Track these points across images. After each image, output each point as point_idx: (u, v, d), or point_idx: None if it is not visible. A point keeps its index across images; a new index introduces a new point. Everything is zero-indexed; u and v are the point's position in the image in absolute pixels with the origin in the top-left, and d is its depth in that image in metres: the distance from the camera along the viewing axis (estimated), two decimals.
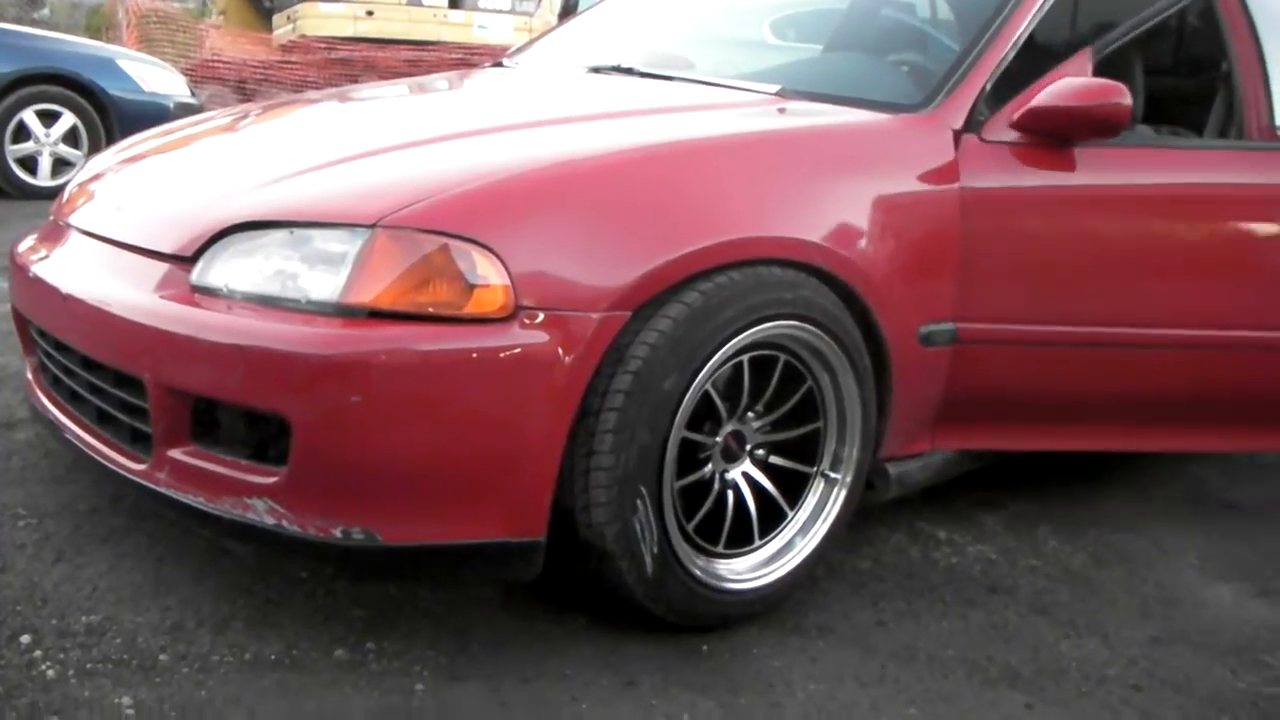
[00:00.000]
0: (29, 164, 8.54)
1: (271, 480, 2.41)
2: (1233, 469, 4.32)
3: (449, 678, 2.56)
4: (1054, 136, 3.15)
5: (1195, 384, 3.45)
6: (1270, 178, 3.49)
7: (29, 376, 3.28)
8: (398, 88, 4.60)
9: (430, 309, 2.36)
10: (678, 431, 2.61)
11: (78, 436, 2.88)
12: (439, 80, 4.47)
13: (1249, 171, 3.49)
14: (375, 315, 2.35)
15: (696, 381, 2.60)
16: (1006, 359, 3.19)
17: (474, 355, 2.35)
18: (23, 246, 3.22)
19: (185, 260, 2.59)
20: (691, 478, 2.74)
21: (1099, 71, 3.26)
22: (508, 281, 2.38)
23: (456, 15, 20.21)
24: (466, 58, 17.24)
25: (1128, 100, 3.08)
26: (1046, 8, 3.33)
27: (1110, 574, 3.37)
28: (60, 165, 8.59)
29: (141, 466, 2.62)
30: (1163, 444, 3.64)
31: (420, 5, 19.98)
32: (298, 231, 2.48)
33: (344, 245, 2.41)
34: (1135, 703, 2.72)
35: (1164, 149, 3.58)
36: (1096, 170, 3.23)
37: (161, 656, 2.53)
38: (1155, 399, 3.44)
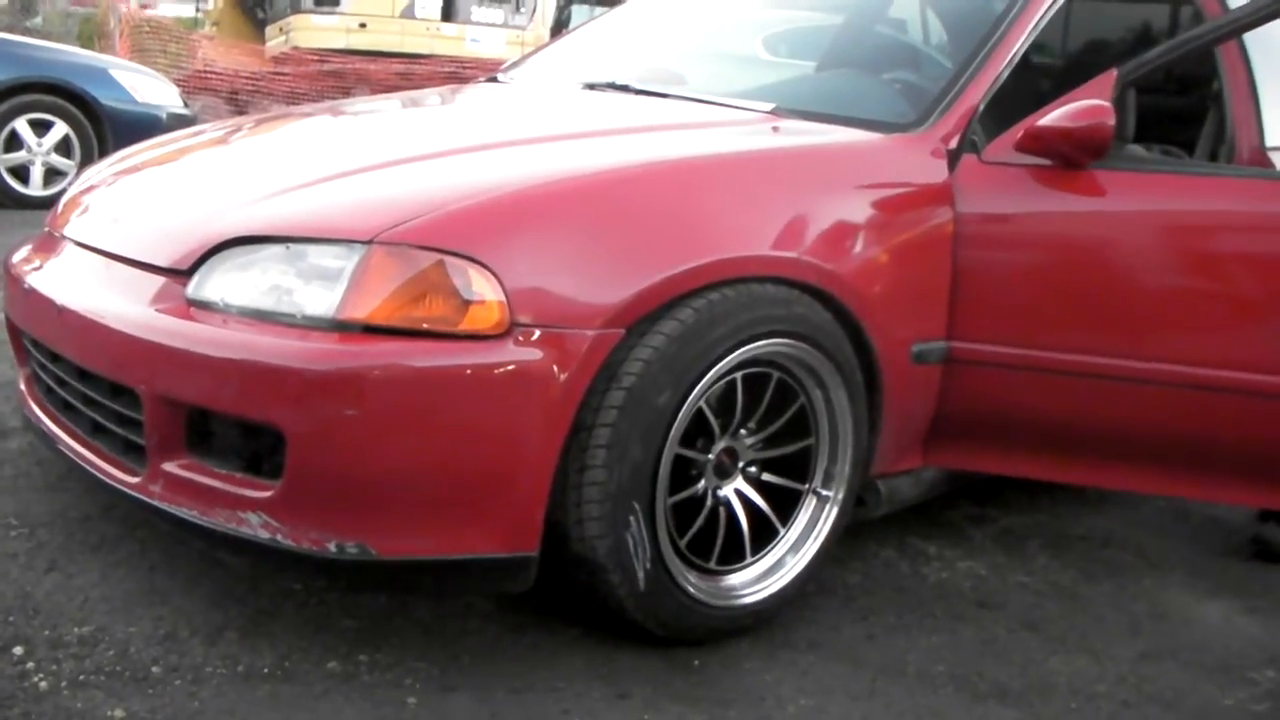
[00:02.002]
0: (21, 173, 8.51)
1: (266, 494, 2.42)
2: None
3: (441, 689, 2.57)
4: (1051, 158, 3.12)
5: (1200, 427, 3.26)
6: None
7: (22, 386, 3.29)
8: (393, 102, 4.61)
9: (425, 325, 2.38)
10: (671, 448, 2.62)
11: (71, 447, 2.89)
12: (434, 95, 4.49)
13: (1260, 200, 3.29)
14: (370, 330, 2.37)
15: (690, 398, 2.61)
16: (998, 381, 3.19)
17: (469, 371, 2.37)
18: (17, 257, 3.23)
19: (181, 274, 2.59)
20: (684, 494, 2.75)
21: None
22: (503, 298, 2.39)
23: (449, 29, 20.27)
24: (458, 71, 17.25)
25: (1111, 121, 3.05)
26: (1041, 28, 3.32)
27: (1099, 589, 3.38)
28: (52, 175, 8.56)
29: (135, 479, 2.63)
30: (1163, 488, 3.48)
31: (413, 18, 20.03)
32: (294, 246, 2.49)
33: (340, 260, 2.42)
34: (1124, 719, 2.73)
35: (1173, 174, 3.47)
36: (1099, 194, 3.18)
37: (154, 668, 2.54)
38: (1156, 439, 3.30)
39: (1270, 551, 3.71)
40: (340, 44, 19.33)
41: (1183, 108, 4.32)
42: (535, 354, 2.40)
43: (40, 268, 3.06)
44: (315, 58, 18.71)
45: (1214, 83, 3.92)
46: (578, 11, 18.27)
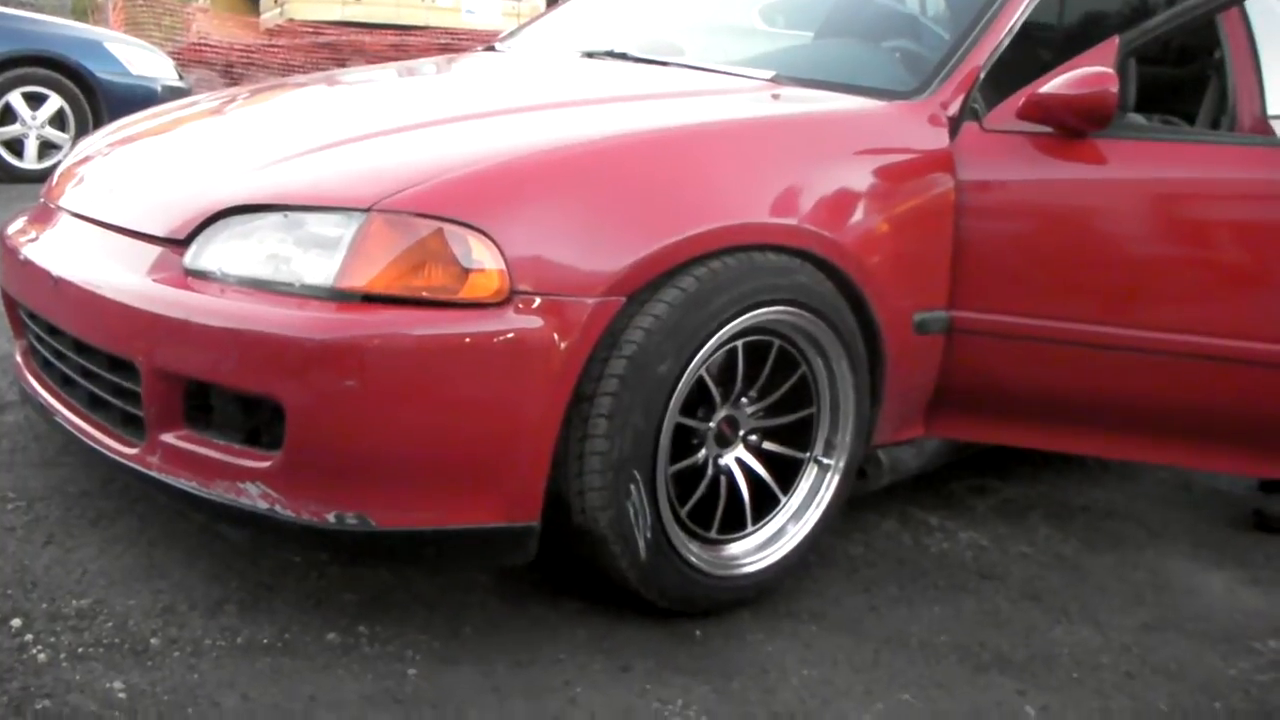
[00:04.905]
0: (15, 147, 8.49)
1: (265, 465, 2.40)
2: None
3: (442, 661, 2.56)
4: (1053, 126, 3.10)
5: (1202, 397, 3.25)
6: None
7: (18, 359, 3.27)
8: (389, 71, 4.58)
9: (425, 293, 2.36)
10: (672, 416, 2.61)
11: (69, 420, 2.87)
12: (431, 64, 4.46)
13: (1263, 168, 3.29)
14: (370, 299, 2.34)
15: (691, 367, 2.60)
16: (1000, 351, 3.17)
17: (468, 340, 2.35)
18: (12, 229, 3.20)
19: (178, 243, 2.57)
20: (685, 463, 2.74)
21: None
22: (503, 266, 2.37)
23: (445, 0, 20.16)
24: (453, 43, 17.20)
25: (1114, 89, 3.03)
26: None
27: (1101, 560, 3.37)
28: (47, 148, 8.53)
29: (134, 451, 2.61)
30: (1164, 457, 3.48)
31: None
32: (292, 215, 2.47)
33: (339, 229, 2.40)
34: (1127, 689, 2.73)
35: (1175, 142, 3.47)
36: (1101, 162, 3.17)
37: (153, 640, 2.53)
38: (1159, 409, 3.29)
39: (1272, 523, 3.70)
40: (335, 15, 19.25)
41: (1183, 77, 4.30)
42: (536, 322, 2.38)
43: (36, 239, 3.03)
44: (310, 30, 18.65)
45: (1215, 52, 3.90)
46: None
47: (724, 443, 2.84)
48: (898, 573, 3.17)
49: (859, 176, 2.97)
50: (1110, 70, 3.05)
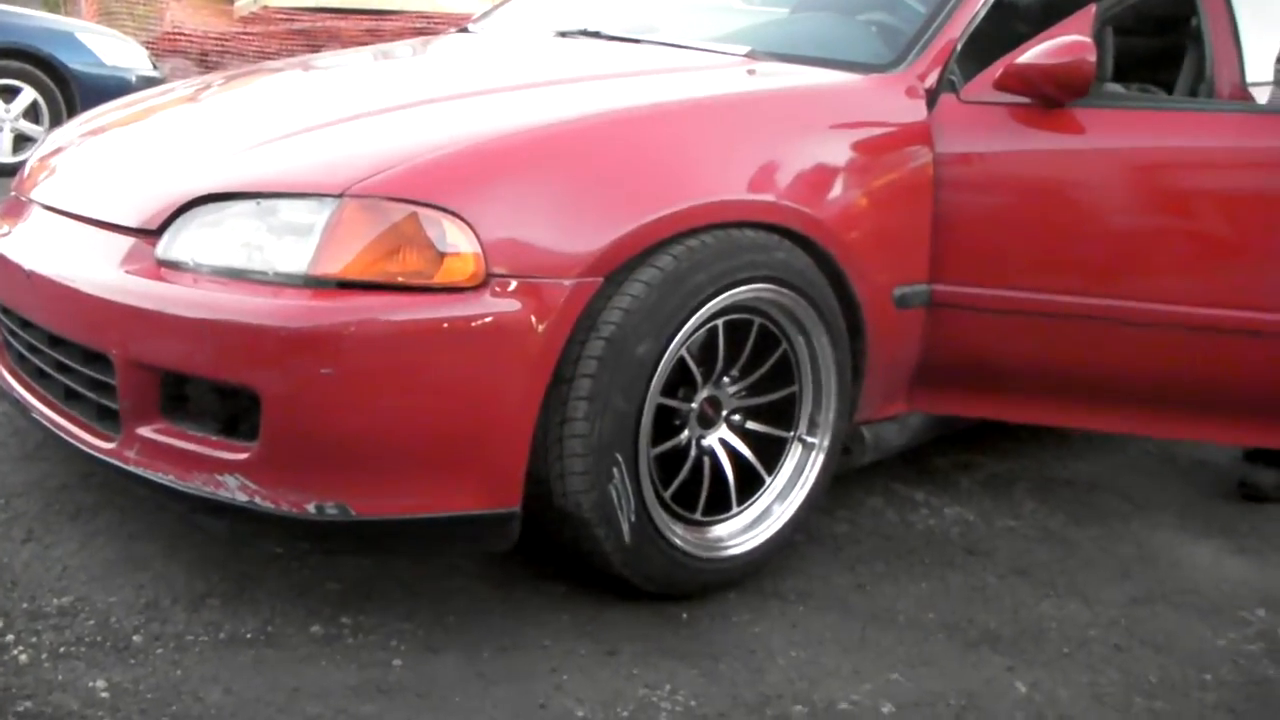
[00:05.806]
0: None
1: (243, 456, 2.38)
2: None
3: (426, 650, 2.54)
4: (1031, 96, 3.09)
5: (1184, 367, 3.24)
6: (1270, 142, 3.24)
7: None
8: (361, 55, 4.55)
9: (400, 278, 2.33)
10: (653, 398, 2.59)
11: (45, 415, 2.84)
12: (405, 47, 4.43)
13: (1243, 136, 3.27)
14: (344, 286, 2.32)
15: (671, 347, 2.58)
16: (982, 324, 3.16)
17: (445, 325, 2.32)
18: None
19: (150, 234, 2.54)
20: (668, 445, 2.72)
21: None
22: (478, 249, 2.35)
23: None
24: (428, 26, 17.11)
25: (1092, 57, 3.02)
26: None
27: (1088, 534, 3.37)
28: (21, 141, 8.45)
29: (111, 445, 2.58)
30: (1148, 429, 3.48)
31: None
32: (264, 202, 2.45)
33: (311, 215, 2.37)
34: (1117, 663, 2.72)
35: (1155, 111, 3.45)
36: (1080, 132, 3.16)
37: (136, 637, 2.50)
38: (1140, 380, 3.28)
39: (1257, 492, 3.69)
40: (309, 1, 19.12)
41: (1161, 46, 4.28)
42: (513, 305, 2.36)
43: (8, 233, 3.00)
44: (284, 16, 18.53)
45: (1192, 19, 3.88)
46: None
47: (707, 423, 2.83)
48: (884, 550, 3.16)
49: (836, 151, 2.95)
50: (1087, 39, 3.04)
